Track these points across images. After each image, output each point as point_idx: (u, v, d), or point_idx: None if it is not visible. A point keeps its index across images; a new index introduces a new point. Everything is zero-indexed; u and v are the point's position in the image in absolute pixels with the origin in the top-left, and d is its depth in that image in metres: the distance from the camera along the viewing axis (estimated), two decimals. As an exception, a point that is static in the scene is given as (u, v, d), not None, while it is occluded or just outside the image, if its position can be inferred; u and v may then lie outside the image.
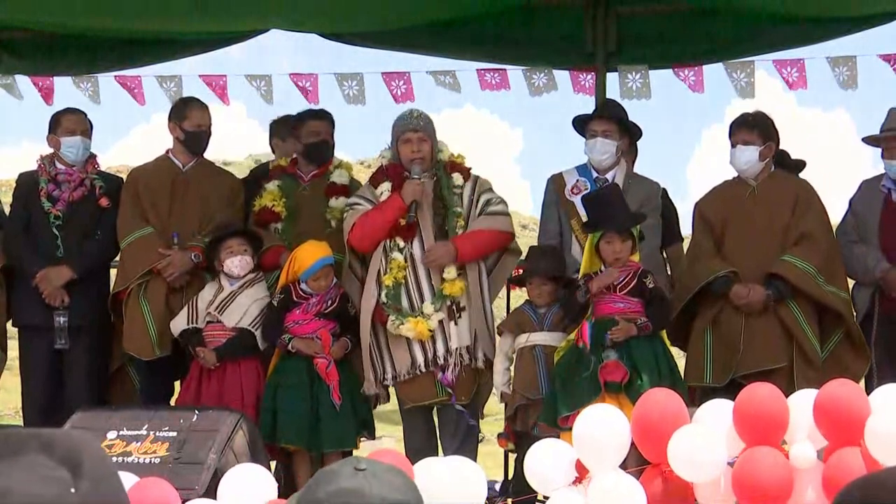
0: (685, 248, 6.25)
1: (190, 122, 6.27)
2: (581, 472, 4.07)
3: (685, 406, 4.13)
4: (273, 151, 6.94)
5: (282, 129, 6.82)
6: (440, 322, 5.72)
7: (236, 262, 5.87)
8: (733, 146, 5.86)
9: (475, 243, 5.80)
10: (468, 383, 5.77)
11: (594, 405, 4.61)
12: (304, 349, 5.71)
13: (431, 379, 5.73)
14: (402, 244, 5.78)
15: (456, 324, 5.73)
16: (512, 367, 5.78)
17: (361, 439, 5.94)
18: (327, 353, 5.70)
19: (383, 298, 5.73)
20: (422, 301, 5.74)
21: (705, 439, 3.98)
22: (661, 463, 4.06)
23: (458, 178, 5.88)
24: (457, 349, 5.71)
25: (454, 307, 5.74)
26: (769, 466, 3.87)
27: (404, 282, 5.75)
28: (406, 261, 5.77)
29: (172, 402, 6.23)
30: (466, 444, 5.76)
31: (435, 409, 5.93)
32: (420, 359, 5.73)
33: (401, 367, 5.75)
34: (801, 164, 6.41)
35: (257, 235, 6.07)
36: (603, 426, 4.10)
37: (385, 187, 5.85)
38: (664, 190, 6.23)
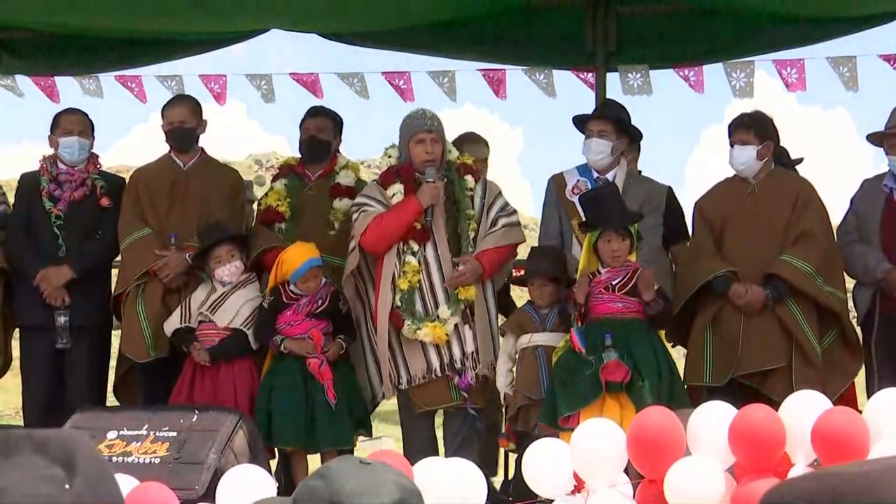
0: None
1: (165, 121, 6.30)
2: (580, 482, 4.07)
3: (681, 425, 4.10)
4: None
5: None
6: (455, 326, 5.70)
7: (226, 271, 5.88)
8: (731, 146, 5.87)
9: (499, 261, 5.83)
10: (483, 388, 5.77)
11: (592, 417, 4.62)
12: (296, 349, 5.72)
13: (446, 383, 5.71)
14: (415, 248, 5.75)
15: (471, 328, 5.72)
16: (514, 368, 5.79)
17: (359, 439, 5.94)
18: (319, 353, 5.70)
19: (398, 302, 5.70)
20: (436, 305, 5.71)
21: (702, 469, 3.96)
22: (656, 480, 4.04)
23: (470, 180, 5.85)
24: (472, 353, 5.71)
25: (468, 311, 5.72)
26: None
27: (419, 286, 5.73)
28: (420, 264, 5.74)
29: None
30: (468, 442, 5.74)
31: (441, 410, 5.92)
32: (436, 363, 5.71)
33: (416, 371, 5.72)
34: (798, 161, 6.42)
35: (244, 236, 6.06)
36: (599, 441, 4.08)
37: (397, 189, 5.80)
38: (670, 188, 6.23)
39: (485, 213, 5.82)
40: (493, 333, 5.81)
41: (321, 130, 6.38)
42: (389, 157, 5.97)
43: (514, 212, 5.93)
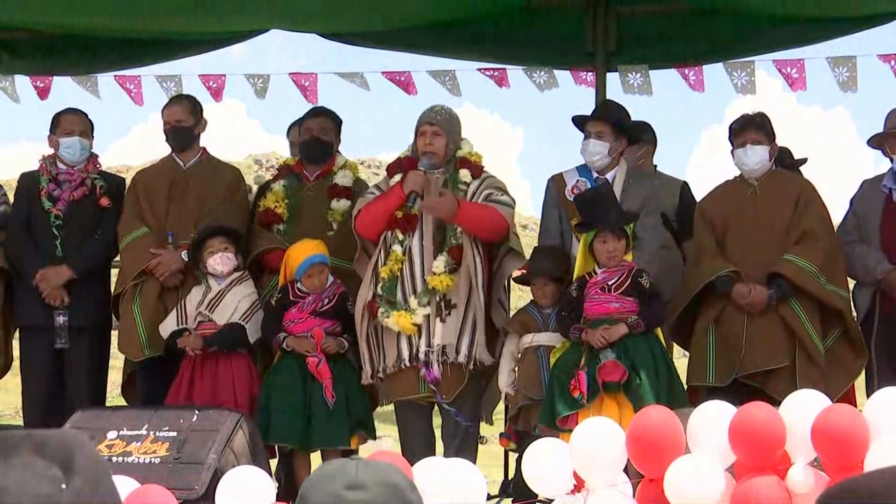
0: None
1: (164, 120, 6.31)
2: (579, 481, 4.06)
3: (680, 424, 4.10)
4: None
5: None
6: (427, 317, 5.68)
7: (218, 260, 5.88)
8: (740, 147, 5.83)
9: (475, 211, 5.70)
10: (454, 381, 5.68)
11: (592, 416, 4.61)
12: (297, 347, 5.73)
13: (416, 374, 5.70)
14: (401, 237, 5.76)
15: (442, 321, 5.66)
16: (516, 368, 5.78)
17: (363, 441, 5.93)
18: (319, 352, 5.71)
19: (379, 291, 5.71)
20: (414, 295, 5.72)
21: (702, 467, 3.95)
22: (656, 479, 4.04)
23: (465, 174, 5.81)
24: (439, 346, 5.65)
25: (443, 304, 5.68)
26: (768, 491, 3.84)
27: (400, 275, 5.73)
28: (404, 254, 5.74)
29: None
30: (465, 445, 5.73)
31: (436, 408, 5.91)
32: (406, 353, 5.68)
33: (389, 360, 5.72)
34: (802, 162, 6.42)
35: (237, 232, 6.06)
36: (599, 440, 4.08)
37: (397, 179, 5.84)
38: (684, 183, 6.23)
39: (479, 198, 5.76)
40: (476, 324, 5.68)
41: (323, 131, 6.38)
42: (411, 149, 5.99)
43: (506, 196, 5.81)
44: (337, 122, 6.48)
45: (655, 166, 6.47)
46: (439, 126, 5.83)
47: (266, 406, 5.68)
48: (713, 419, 4.08)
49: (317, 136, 6.36)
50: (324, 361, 5.68)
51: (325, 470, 1.60)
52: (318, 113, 6.52)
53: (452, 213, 5.65)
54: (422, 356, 5.66)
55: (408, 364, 5.69)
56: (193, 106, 6.38)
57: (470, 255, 5.69)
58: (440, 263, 5.66)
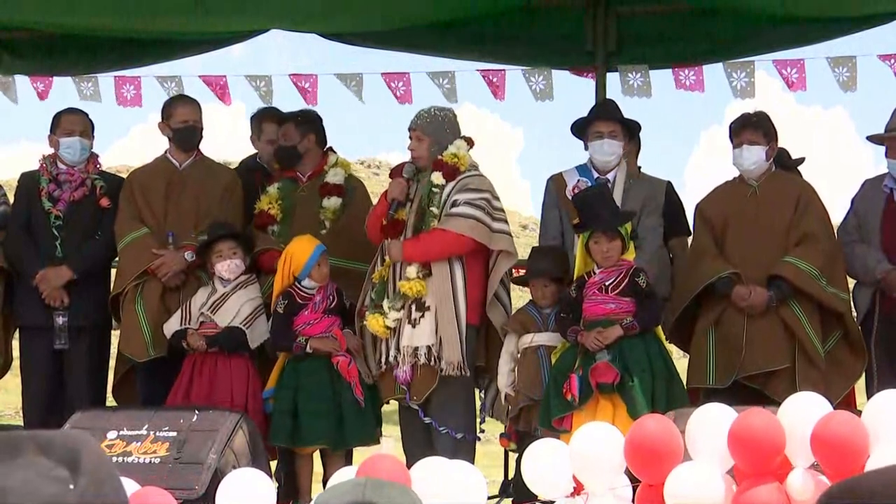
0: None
1: (175, 119, 6.26)
2: (579, 485, 4.06)
3: (678, 433, 4.09)
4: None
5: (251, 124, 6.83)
6: (398, 321, 5.71)
7: (226, 266, 5.89)
8: (737, 147, 5.84)
9: (418, 247, 5.74)
10: (425, 384, 5.70)
11: (585, 419, 4.61)
12: (322, 347, 5.73)
13: (392, 376, 5.75)
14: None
15: (410, 323, 5.68)
16: (515, 368, 5.77)
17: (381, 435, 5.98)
18: (344, 350, 5.73)
19: (372, 295, 5.78)
20: (388, 299, 5.76)
21: (702, 475, 3.95)
22: (655, 485, 4.03)
23: (437, 177, 5.77)
24: (406, 348, 5.67)
25: (414, 307, 5.70)
26: (768, 498, 3.83)
27: (388, 280, 5.77)
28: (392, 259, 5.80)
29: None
30: (456, 450, 5.68)
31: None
32: (384, 354, 5.76)
33: (377, 361, 5.80)
34: (800, 161, 6.41)
35: (247, 236, 6.06)
36: (597, 446, 4.08)
37: None
38: (668, 183, 6.21)
39: (446, 209, 5.77)
40: (461, 332, 5.68)
41: (284, 136, 6.32)
42: None
43: (470, 204, 5.72)
44: (301, 119, 6.36)
45: (640, 167, 6.45)
46: (420, 130, 5.85)
47: (290, 409, 5.68)
48: (712, 422, 4.07)
49: (280, 144, 6.35)
50: (353, 360, 5.71)
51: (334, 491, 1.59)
52: (283, 119, 6.48)
53: (399, 258, 5.75)
54: (391, 359, 5.71)
55: (385, 366, 5.76)
56: (200, 108, 6.40)
57: (444, 261, 5.71)
58: (412, 269, 5.71)
